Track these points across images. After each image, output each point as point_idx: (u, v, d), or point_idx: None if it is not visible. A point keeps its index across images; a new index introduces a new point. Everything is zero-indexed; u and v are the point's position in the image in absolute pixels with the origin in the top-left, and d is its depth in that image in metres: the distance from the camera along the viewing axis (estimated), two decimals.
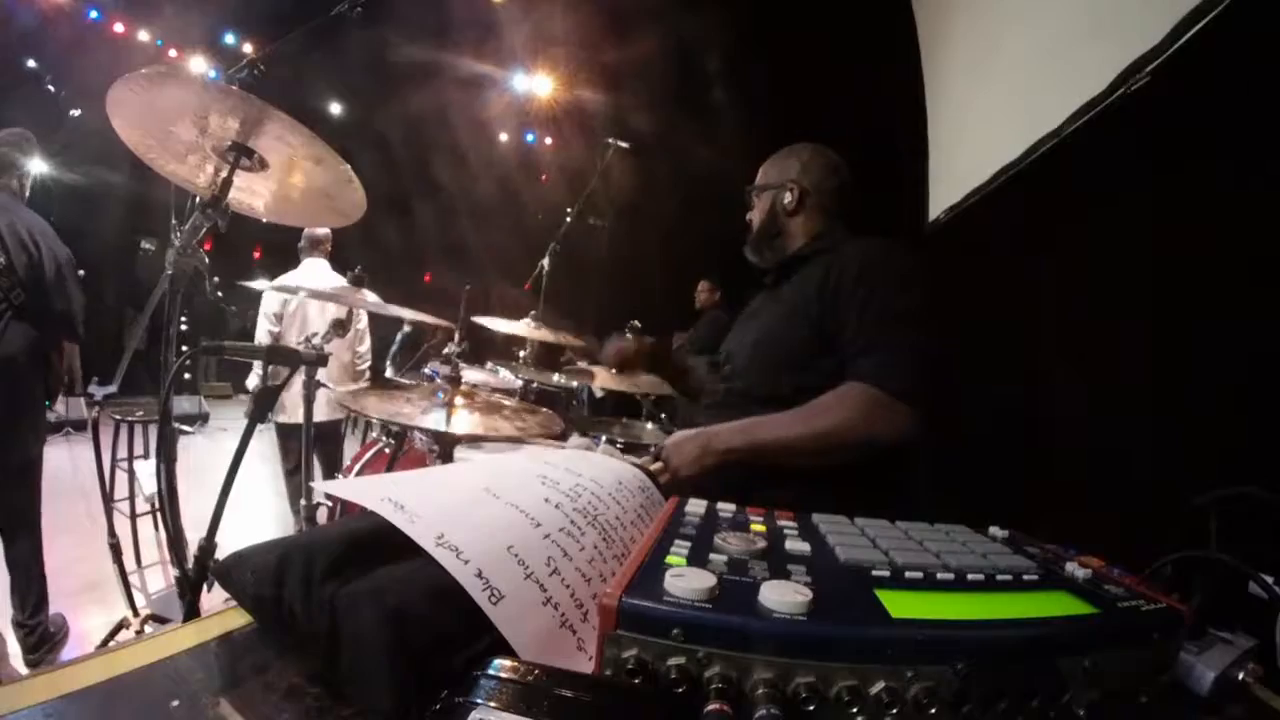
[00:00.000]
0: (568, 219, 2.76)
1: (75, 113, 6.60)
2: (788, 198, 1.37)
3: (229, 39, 6.69)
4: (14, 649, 2.14)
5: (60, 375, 2.40)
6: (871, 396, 1.07)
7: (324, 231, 3.23)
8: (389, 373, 2.92)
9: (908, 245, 1.25)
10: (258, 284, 2.85)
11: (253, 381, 3.01)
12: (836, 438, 1.07)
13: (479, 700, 0.31)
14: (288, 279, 3.13)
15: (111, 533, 2.20)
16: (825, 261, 1.28)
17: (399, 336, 3.16)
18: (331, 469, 3.22)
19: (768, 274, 1.44)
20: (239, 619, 0.46)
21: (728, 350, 1.42)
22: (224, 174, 1.26)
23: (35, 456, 2.24)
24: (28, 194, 2.29)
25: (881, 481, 1.15)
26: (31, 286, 2.14)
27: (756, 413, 1.18)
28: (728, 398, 1.32)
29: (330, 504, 1.91)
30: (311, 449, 1.54)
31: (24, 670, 2.09)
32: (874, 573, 0.46)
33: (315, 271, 3.20)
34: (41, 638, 2.15)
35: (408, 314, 1.80)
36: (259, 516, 3.56)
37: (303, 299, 2.99)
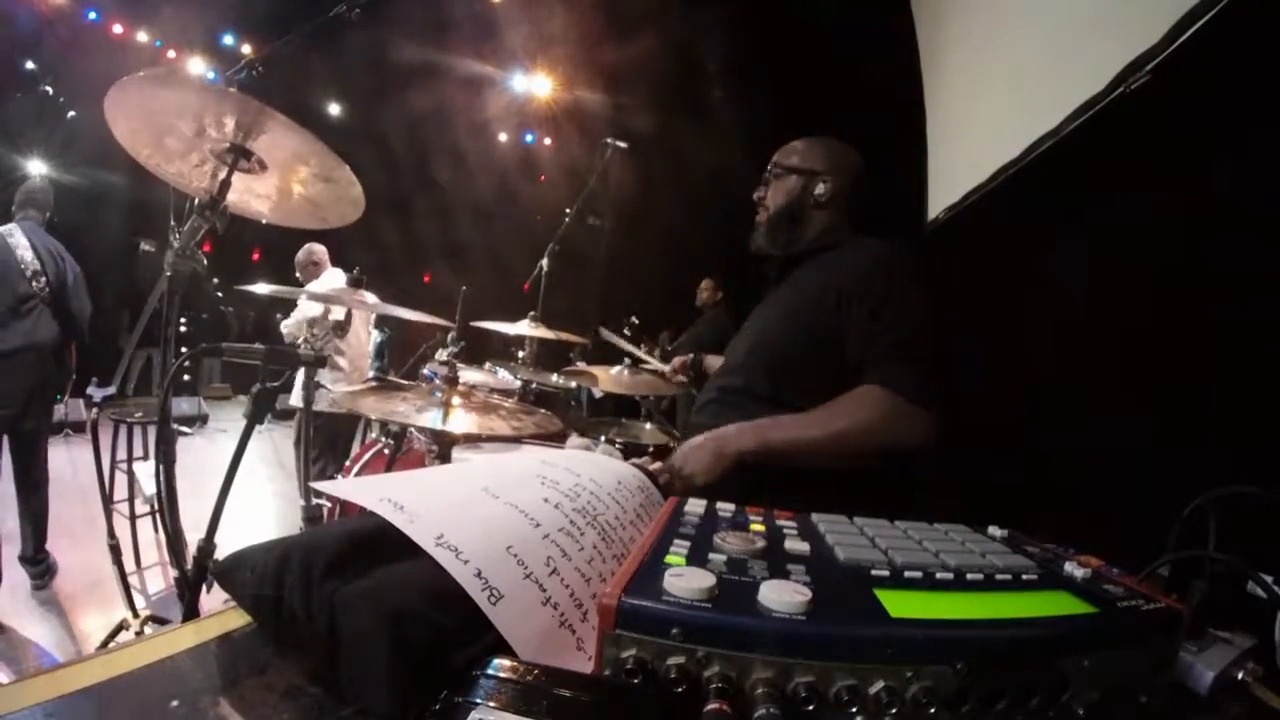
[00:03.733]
0: (566, 219, 2.77)
1: (73, 114, 6.60)
2: (821, 188, 1.32)
3: (228, 40, 6.69)
4: (22, 589, 2.65)
5: (70, 371, 3.09)
6: (890, 400, 1.06)
7: (321, 249, 3.55)
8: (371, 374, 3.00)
9: (911, 245, 1.25)
10: (257, 287, 2.88)
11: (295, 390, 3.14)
12: (853, 441, 1.06)
13: (478, 700, 0.31)
14: (320, 289, 3.20)
15: (111, 534, 2.20)
16: (828, 261, 1.27)
17: (376, 342, 3.23)
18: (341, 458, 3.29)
19: (771, 268, 1.43)
20: (238, 619, 0.46)
21: (730, 347, 1.42)
22: (222, 176, 1.26)
23: (46, 426, 2.98)
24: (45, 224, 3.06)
25: (881, 481, 1.15)
26: (58, 290, 2.88)
27: (754, 412, 1.16)
28: (724, 395, 1.31)
29: (330, 504, 1.91)
30: (311, 447, 1.54)
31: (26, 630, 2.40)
32: (873, 572, 0.46)
33: (338, 282, 3.29)
34: (46, 568, 2.77)
35: (409, 314, 1.80)
36: (258, 517, 3.56)
37: (348, 311, 3.05)
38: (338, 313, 2.95)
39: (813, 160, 1.36)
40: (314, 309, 3.18)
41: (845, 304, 1.16)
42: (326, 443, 3.34)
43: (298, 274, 3.68)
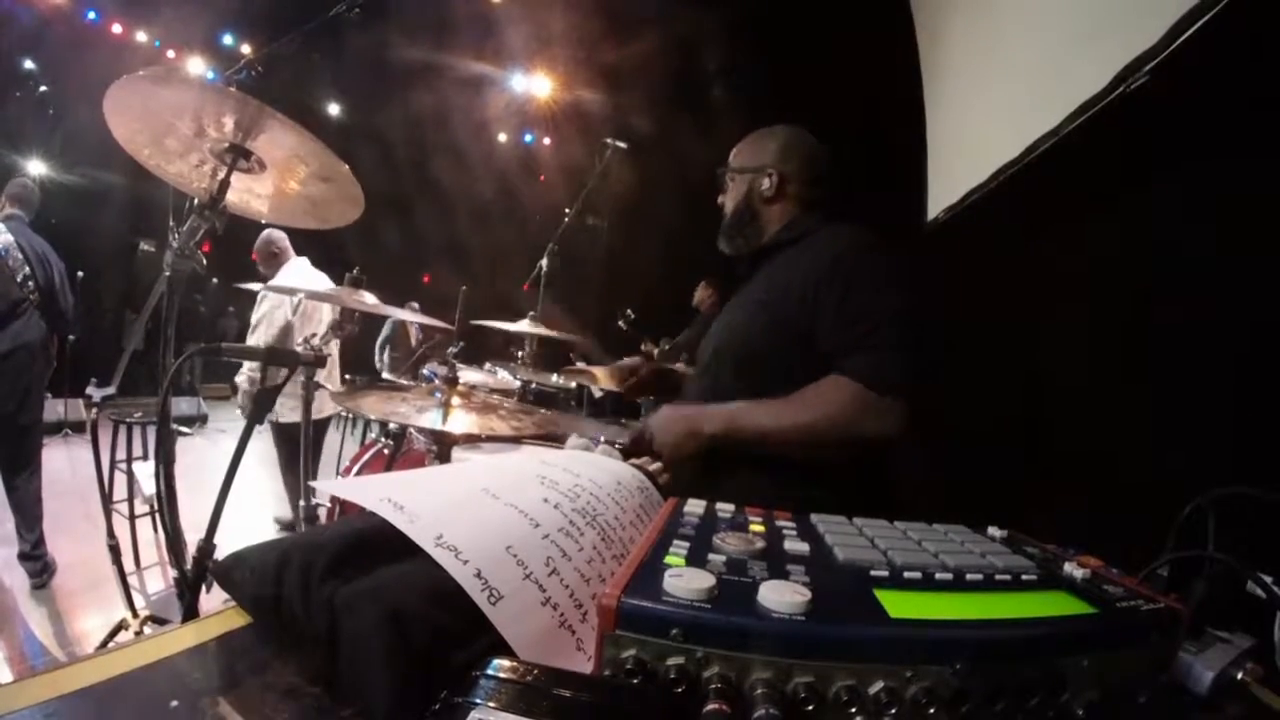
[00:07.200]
0: (566, 219, 2.77)
1: (72, 114, 6.60)
2: (765, 184, 1.31)
3: (227, 40, 6.69)
4: (21, 589, 2.70)
5: (53, 362, 3.15)
6: (857, 392, 1.05)
7: (281, 235, 3.28)
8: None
9: (882, 232, 1.22)
10: (255, 286, 2.87)
11: (241, 379, 3.05)
12: (821, 432, 1.05)
13: (478, 700, 0.31)
14: (284, 281, 3.13)
15: (110, 534, 2.19)
16: (796, 252, 1.24)
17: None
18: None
19: (740, 266, 1.39)
20: (238, 619, 0.46)
21: (701, 347, 1.39)
22: (221, 175, 1.26)
23: (39, 417, 3.10)
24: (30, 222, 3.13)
25: (880, 480, 1.15)
26: (45, 290, 2.95)
27: None
28: (701, 395, 1.28)
29: (330, 504, 1.91)
30: (309, 448, 1.54)
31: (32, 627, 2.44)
32: (873, 573, 0.46)
33: (305, 272, 3.22)
34: (44, 565, 2.81)
35: (408, 316, 1.80)
36: (258, 517, 3.56)
37: (304, 303, 2.99)
38: (334, 311, 2.91)
39: (755, 157, 1.34)
40: (282, 305, 2.99)
41: (814, 294, 1.13)
42: (290, 460, 3.16)
43: (260, 267, 3.34)
